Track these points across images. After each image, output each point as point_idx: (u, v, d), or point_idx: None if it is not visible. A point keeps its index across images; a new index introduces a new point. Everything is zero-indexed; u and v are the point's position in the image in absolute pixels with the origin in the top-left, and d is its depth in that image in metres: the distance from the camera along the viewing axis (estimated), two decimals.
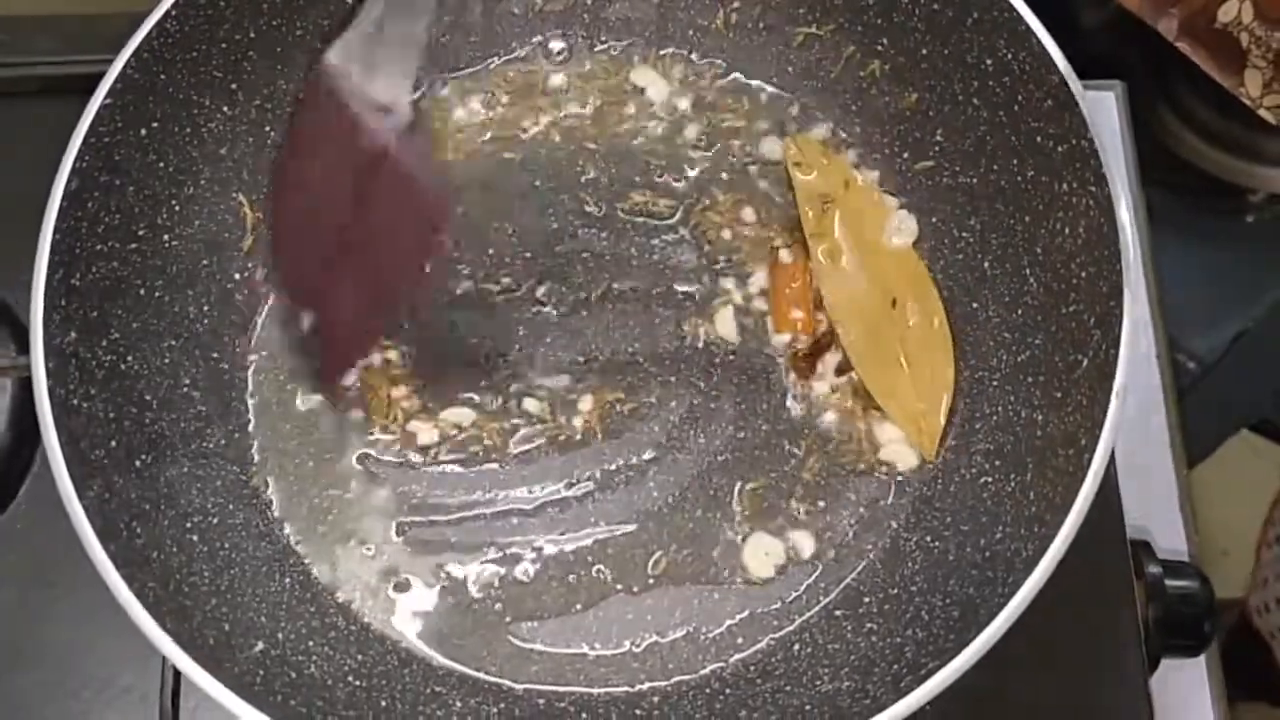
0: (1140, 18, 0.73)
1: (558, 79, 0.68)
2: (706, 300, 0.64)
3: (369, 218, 0.53)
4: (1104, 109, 0.77)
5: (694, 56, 0.69)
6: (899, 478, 0.60)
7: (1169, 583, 0.62)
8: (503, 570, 0.58)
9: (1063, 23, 0.58)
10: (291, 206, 0.56)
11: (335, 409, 0.61)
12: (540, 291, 0.64)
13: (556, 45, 0.69)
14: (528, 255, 0.64)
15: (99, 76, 0.57)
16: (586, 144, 0.67)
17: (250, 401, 0.62)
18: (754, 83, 0.68)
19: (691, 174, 0.66)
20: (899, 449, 0.60)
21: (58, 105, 0.62)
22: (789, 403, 0.61)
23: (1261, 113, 0.73)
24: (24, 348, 0.65)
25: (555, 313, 0.63)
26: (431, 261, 0.56)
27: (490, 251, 0.65)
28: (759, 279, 0.64)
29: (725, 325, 0.63)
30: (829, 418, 0.61)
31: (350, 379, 0.61)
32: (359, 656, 0.55)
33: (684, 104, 0.68)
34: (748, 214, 0.65)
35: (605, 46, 0.69)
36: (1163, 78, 0.84)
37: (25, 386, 0.64)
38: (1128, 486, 0.64)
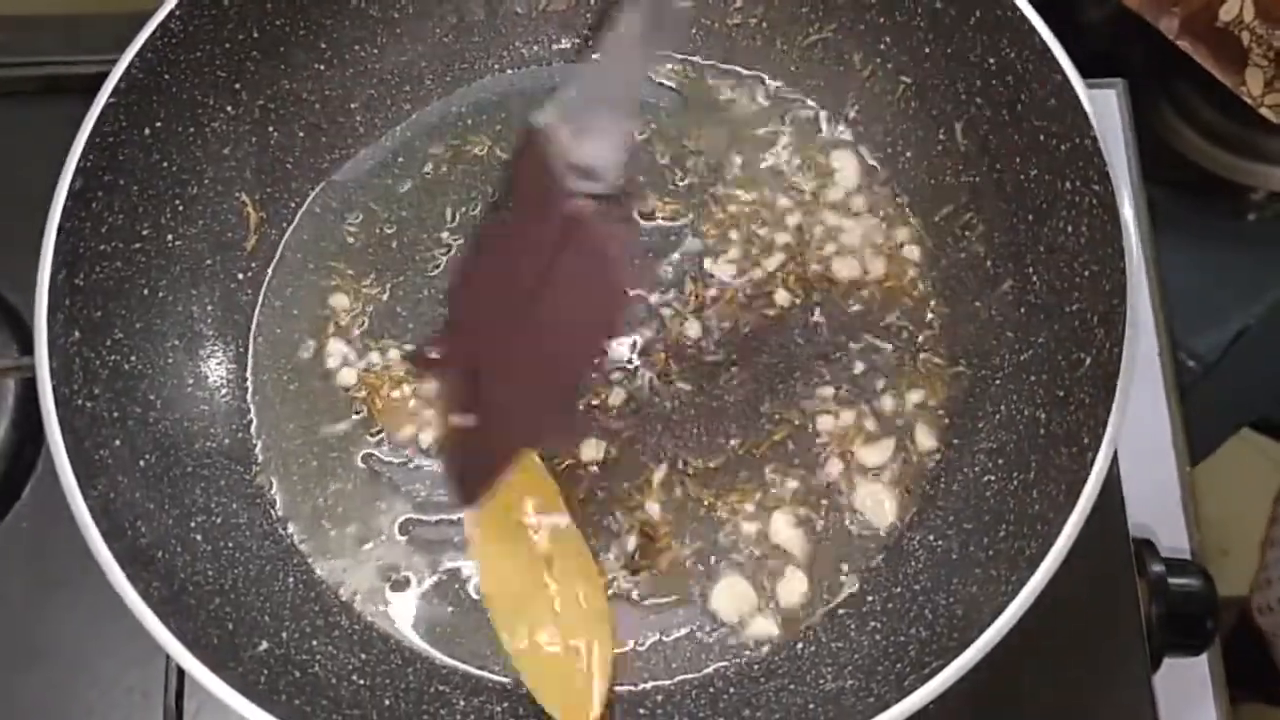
0: (1142, 16, 0.73)
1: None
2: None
3: (550, 295, 0.49)
4: (1106, 107, 0.77)
5: (696, 58, 0.69)
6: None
7: (1172, 581, 0.62)
8: None
9: (1064, 21, 0.58)
10: (478, 275, 0.53)
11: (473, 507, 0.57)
12: None
13: (559, 47, 0.69)
14: None
15: (103, 76, 0.57)
16: None
17: (253, 402, 0.62)
18: (757, 82, 0.68)
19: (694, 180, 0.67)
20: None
21: (61, 105, 0.63)
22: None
23: (1263, 111, 0.73)
24: (27, 348, 0.65)
25: None
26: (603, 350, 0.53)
27: None
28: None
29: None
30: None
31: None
32: (362, 655, 0.56)
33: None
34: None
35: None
36: (1164, 76, 0.84)
37: (29, 387, 0.64)
38: (1130, 485, 0.64)
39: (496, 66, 0.69)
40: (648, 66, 0.48)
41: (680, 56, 0.69)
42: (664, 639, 0.57)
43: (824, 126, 0.67)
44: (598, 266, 0.48)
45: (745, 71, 0.68)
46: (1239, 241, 0.90)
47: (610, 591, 0.58)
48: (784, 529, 0.59)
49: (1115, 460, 0.62)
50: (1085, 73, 0.56)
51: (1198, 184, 0.88)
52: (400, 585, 0.58)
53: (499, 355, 0.51)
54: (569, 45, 0.69)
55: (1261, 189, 0.88)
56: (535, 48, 0.69)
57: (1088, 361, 0.53)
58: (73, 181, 0.54)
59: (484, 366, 0.52)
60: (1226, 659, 0.67)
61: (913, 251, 0.64)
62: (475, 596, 0.58)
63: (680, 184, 0.66)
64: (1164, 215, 0.82)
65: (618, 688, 0.56)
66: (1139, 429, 0.69)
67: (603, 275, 0.48)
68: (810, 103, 0.67)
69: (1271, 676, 0.97)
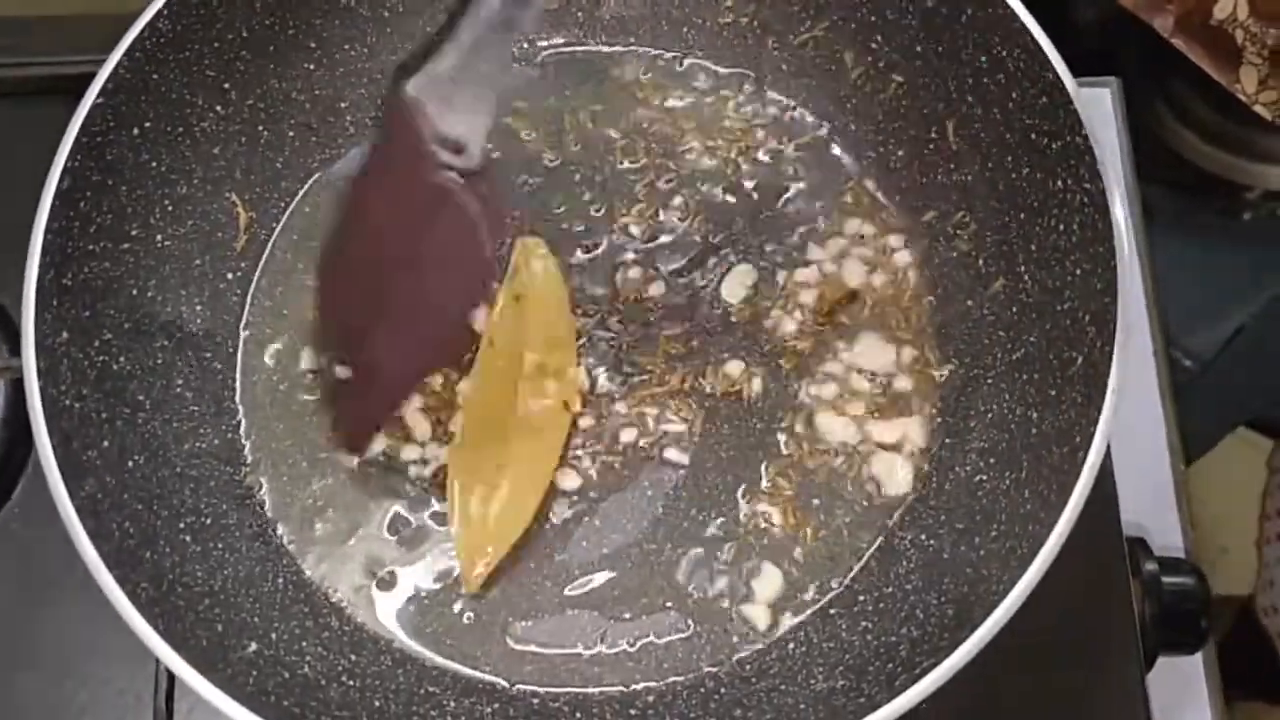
0: (1136, 14, 0.73)
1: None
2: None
3: (422, 261, 0.52)
4: (1100, 106, 0.77)
5: (687, 58, 0.69)
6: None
7: (1165, 580, 0.62)
8: (495, 570, 0.58)
9: (1058, 19, 0.58)
10: (350, 237, 0.55)
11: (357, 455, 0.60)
12: None
13: (547, 44, 0.69)
14: None
15: (91, 77, 0.56)
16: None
17: (242, 402, 0.61)
18: (745, 82, 0.68)
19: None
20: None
21: (49, 106, 0.62)
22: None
23: (1257, 109, 0.73)
24: (17, 349, 0.65)
25: None
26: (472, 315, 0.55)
27: None
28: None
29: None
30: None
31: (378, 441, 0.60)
32: (352, 656, 0.55)
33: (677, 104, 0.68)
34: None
35: (598, 47, 0.69)
36: (1159, 74, 0.84)
37: (18, 388, 0.64)
38: (1124, 484, 0.64)
39: None
40: (508, 47, 0.52)
41: (670, 54, 0.69)
42: (655, 640, 0.57)
43: (811, 125, 0.67)
44: (466, 236, 0.51)
45: (734, 70, 0.68)
46: (1235, 240, 0.90)
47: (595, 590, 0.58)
48: (776, 518, 0.59)
49: (1108, 459, 0.63)
50: (1079, 71, 0.56)
51: (1193, 183, 0.88)
52: (390, 585, 0.58)
53: (373, 313, 0.54)
54: (559, 42, 0.69)
55: (1257, 188, 0.88)
56: (524, 46, 0.69)
57: (1079, 361, 0.53)
58: (60, 181, 0.54)
59: (358, 324, 0.55)
60: (1226, 657, 0.67)
61: (904, 250, 0.64)
62: (468, 596, 0.58)
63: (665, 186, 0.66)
64: (1159, 214, 0.82)
65: (608, 689, 0.56)
66: (1133, 428, 0.69)
67: (471, 245, 0.51)
68: (799, 101, 0.67)
69: (1273, 675, 0.97)
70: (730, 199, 0.66)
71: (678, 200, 0.66)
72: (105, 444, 0.54)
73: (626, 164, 0.66)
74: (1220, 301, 0.88)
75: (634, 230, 0.65)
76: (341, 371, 0.59)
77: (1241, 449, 1.16)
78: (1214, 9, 0.71)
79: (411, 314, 0.54)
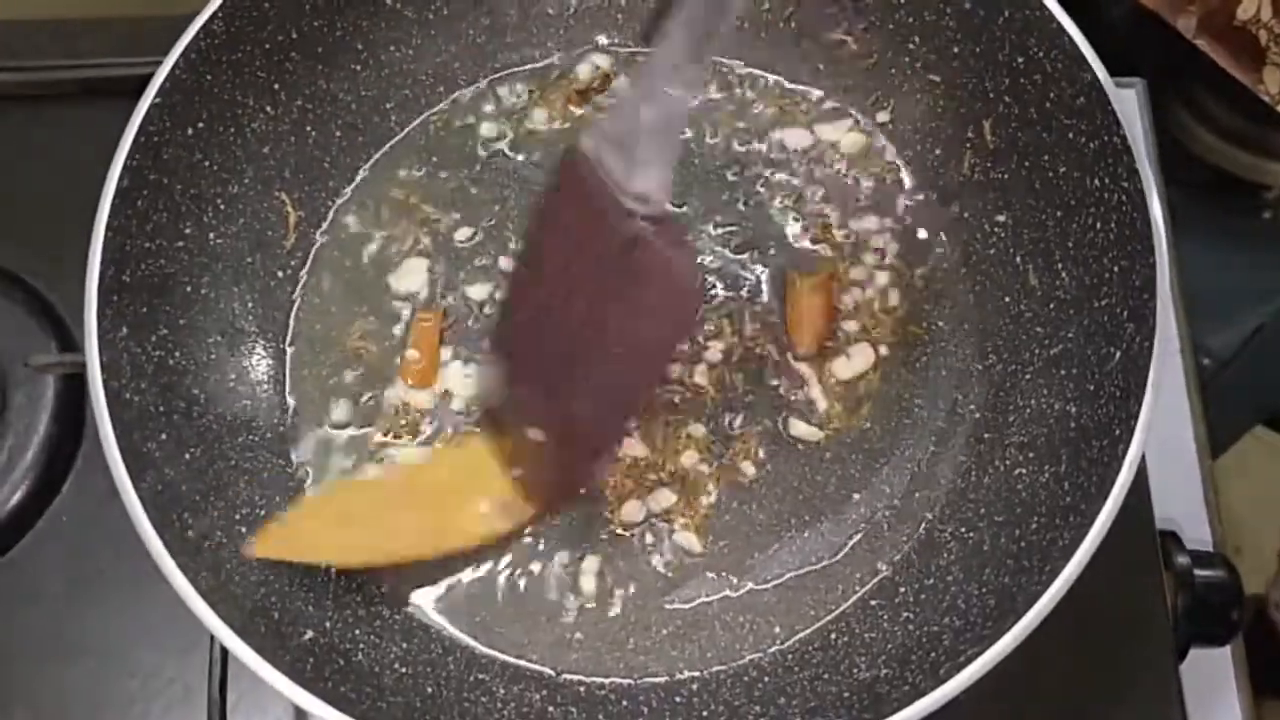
0: (1159, 15, 0.74)
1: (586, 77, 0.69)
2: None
3: (614, 312, 0.51)
4: (1126, 106, 0.76)
5: (724, 57, 0.69)
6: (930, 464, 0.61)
7: (1197, 573, 0.63)
8: (542, 561, 0.59)
9: (1089, 13, 0.58)
10: (532, 300, 0.54)
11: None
12: None
13: (590, 46, 0.70)
14: None
15: (144, 79, 0.57)
16: None
17: (292, 396, 0.62)
18: (785, 82, 0.69)
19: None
20: None
21: (98, 108, 0.64)
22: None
23: None
24: (66, 345, 0.66)
25: None
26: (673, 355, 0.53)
27: None
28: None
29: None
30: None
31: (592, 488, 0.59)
32: (404, 644, 0.56)
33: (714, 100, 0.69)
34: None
35: (635, 47, 0.69)
36: (1178, 75, 0.84)
37: (69, 383, 0.65)
38: (1154, 477, 0.65)
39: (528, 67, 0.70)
40: (697, 80, 0.48)
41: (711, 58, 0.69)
42: (698, 630, 0.58)
43: (853, 124, 0.68)
44: (666, 281, 0.49)
45: (772, 71, 0.69)
46: (1254, 240, 0.91)
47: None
48: None
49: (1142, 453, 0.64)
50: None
51: (1213, 183, 0.89)
52: (440, 575, 0.59)
53: (567, 373, 0.52)
54: (603, 43, 0.70)
55: (1276, 188, 0.89)
56: (567, 47, 0.70)
57: (1117, 355, 0.54)
58: (120, 180, 0.55)
59: (554, 384, 0.53)
60: (1248, 658, 0.67)
61: (942, 248, 0.65)
62: (514, 586, 0.58)
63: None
64: (1179, 214, 0.83)
65: (653, 679, 0.57)
66: (1161, 423, 0.68)
67: (672, 288, 0.49)
68: (837, 101, 0.68)
69: None
70: None
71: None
72: (164, 437, 0.55)
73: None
74: (1239, 301, 0.88)
75: None
76: (534, 434, 0.56)
77: (1259, 448, 1.16)
78: (1237, 10, 0.71)
79: (613, 367, 0.52)
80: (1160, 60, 0.83)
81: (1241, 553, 1.15)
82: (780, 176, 0.67)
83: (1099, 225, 0.56)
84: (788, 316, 0.63)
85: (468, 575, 0.59)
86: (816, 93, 0.68)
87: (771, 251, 0.65)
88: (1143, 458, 0.63)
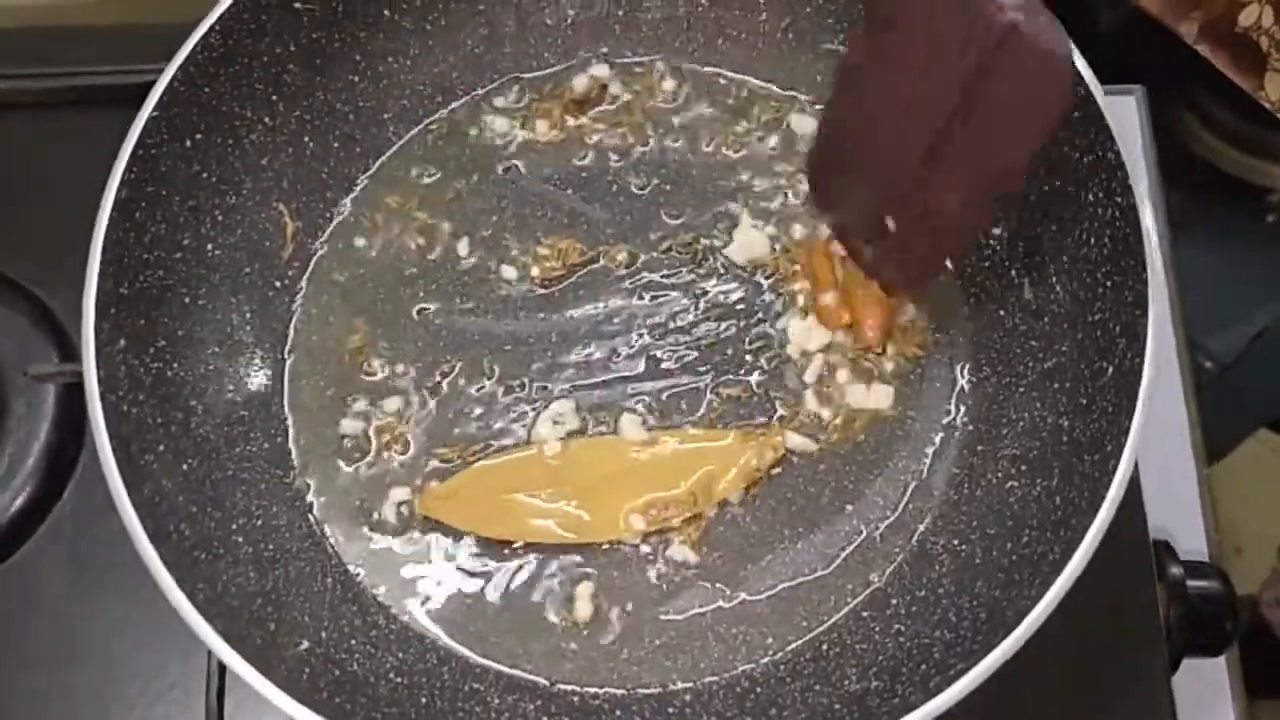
0: (1161, 21, 0.74)
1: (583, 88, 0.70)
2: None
3: (980, 110, 0.49)
4: (1126, 114, 0.77)
5: (724, 68, 0.69)
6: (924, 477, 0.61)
7: (1190, 583, 0.63)
8: (535, 571, 0.60)
9: (1082, 25, 0.58)
10: (876, 104, 0.54)
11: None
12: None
13: (586, 56, 0.70)
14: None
15: (138, 87, 0.58)
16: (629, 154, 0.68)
17: (290, 407, 0.63)
18: (783, 92, 0.69)
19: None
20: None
21: (97, 115, 0.65)
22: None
23: None
24: (68, 354, 0.67)
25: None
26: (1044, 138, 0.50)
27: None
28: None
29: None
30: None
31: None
32: (399, 654, 0.57)
33: (709, 112, 0.69)
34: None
35: (634, 58, 0.70)
36: (1182, 79, 0.85)
37: (70, 391, 0.66)
38: (1148, 487, 0.65)
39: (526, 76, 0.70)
40: None
41: (708, 69, 0.70)
42: (691, 641, 0.58)
43: None
44: (1041, 70, 0.47)
45: (769, 82, 0.69)
46: (1257, 243, 0.91)
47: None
48: None
49: (1135, 465, 0.64)
50: (1103, 78, 0.56)
51: (1216, 186, 0.89)
52: (435, 586, 0.59)
53: (918, 158, 0.53)
54: (600, 54, 0.70)
55: (1279, 191, 0.88)
56: (564, 57, 0.70)
57: (1110, 371, 0.54)
58: (118, 192, 0.56)
59: (904, 172, 0.54)
60: (1243, 658, 0.67)
61: None
62: (510, 595, 0.59)
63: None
64: (1182, 217, 0.83)
65: (646, 689, 0.57)
66: (1157, 432, 0.68)
67: (1046, 78, 0.48)
68: None
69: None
70: None
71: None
72: (161, 448, 0.55)
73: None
74: (1242, 304, 0.89)
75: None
76: (891, 223, 0.57)
77: (1261, 451, 1.16)
78: (1239, 16, 0.72)
79: (968, 163, 0.52)
80: (1164, 63, 0.83)
81: (1243, 554, 1.15)
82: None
83: (1093, 240, 0.57)
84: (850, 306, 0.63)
85: (464, 586, 0.59)
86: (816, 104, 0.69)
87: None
88: (1136, 469, 0.63)
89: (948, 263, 0.64)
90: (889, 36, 0.52)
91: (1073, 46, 0.50)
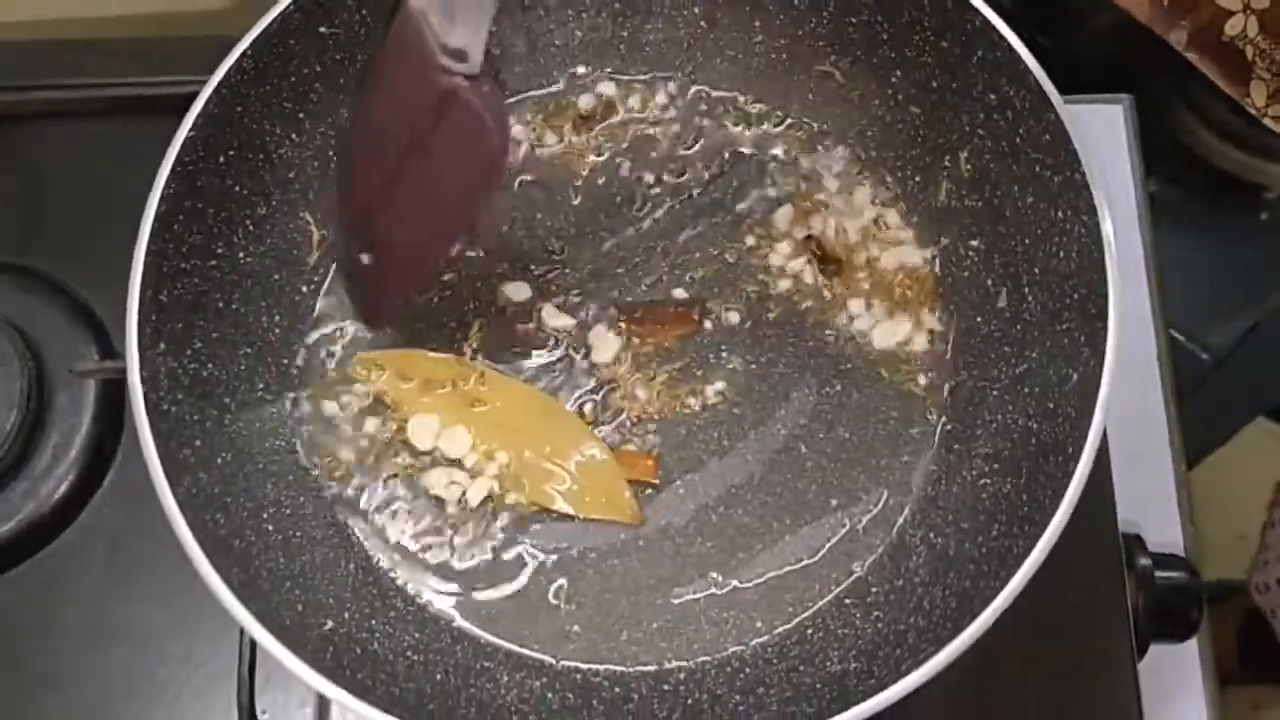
0: (1151, 28, 0.76)
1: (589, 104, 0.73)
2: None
3: (432, 155, 0.55)
4: (1113, 122, 0.79)
5: (723, 88, 0.72)
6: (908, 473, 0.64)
7: (1158, 574, 0.66)
8: (542, 558, 0.63)
9: (1077, 24, 0.60)
10: (363, 139, 0.60)
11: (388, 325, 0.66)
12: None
13: (589, 75, 0.73)
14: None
15: (182, 97, 0.61)
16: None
17: (314, 404, 0.66)
18: (776, 112, 0.72)
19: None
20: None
21: (142, 125, 0.67)
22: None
23: (1266, 122, 0.75)
24: (106, 351, 0.70)
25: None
26: (485, 200, 0.58)
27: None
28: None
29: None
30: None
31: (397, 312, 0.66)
32: (416, 634, 0.60)
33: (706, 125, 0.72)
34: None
35: (635, 76, 0.73)
36: (1177, 76, 0.83)
37: (108, 387, 0.69)
38: (1126, 483, 0.67)
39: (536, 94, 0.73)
40: None
41: (709, 91, 0.72)
42: (686, 625, 0.61)
43: (837, 153, 0.71)
44: (473, 130, 0.54)
45: (764, 102, 0.72)
46: (1253, 239, 0.92)
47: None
48: None
49: (1107, 460, 0.66)
50: (1097, 76, 0.58)
51: (1212, 182, 0.90)
52: (449, 571, 0.63)
53: (389, 204, 0.59)
54: (607, 72, 0.73)
55: (1275, 188, 0.90)
56: (572, 77, 0.73)
57: (1074, 378, 0.56)
58: (158, 207, 0.58)
59: (378, 215, 0.60)
60: (1240, 642, 0.70)
61: (921, 269, 0.68)
62: (519, 580, 0.62)
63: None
64: (1178, 213, 0.85)
65: (644, 667, 0.61)
66: (1136, 429, 0.72)
67: (477, 137, 0.55)
68: (825, 131, 0.71)
69: (1275, 653, 1.00)
70: None
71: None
72: (198, 443, 0.59)
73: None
74: (1237, 298, 0.90)
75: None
76: (366, 259, 0.62)
77: (1261, 438, 1.18)
78: (1226, 26, 0.73)
79: (424, 202, 0.58)
80: (1160, 61, 0.84)
81: (1245, 539, 1.18)
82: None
83: (1061, 254, 0.59)
84: None
85: (474, 569, 0.63)
86: (805, 124, 0.72)
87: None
88: (1109, 465, 0.67)
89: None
90: (377, 95, 0.58)
91: (512, 120, 0.62)
